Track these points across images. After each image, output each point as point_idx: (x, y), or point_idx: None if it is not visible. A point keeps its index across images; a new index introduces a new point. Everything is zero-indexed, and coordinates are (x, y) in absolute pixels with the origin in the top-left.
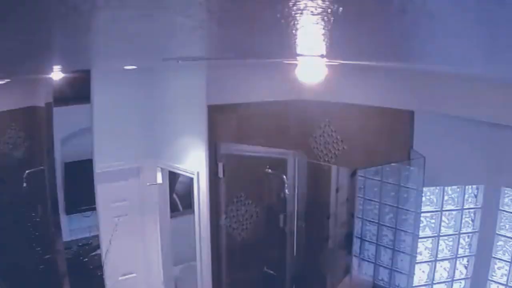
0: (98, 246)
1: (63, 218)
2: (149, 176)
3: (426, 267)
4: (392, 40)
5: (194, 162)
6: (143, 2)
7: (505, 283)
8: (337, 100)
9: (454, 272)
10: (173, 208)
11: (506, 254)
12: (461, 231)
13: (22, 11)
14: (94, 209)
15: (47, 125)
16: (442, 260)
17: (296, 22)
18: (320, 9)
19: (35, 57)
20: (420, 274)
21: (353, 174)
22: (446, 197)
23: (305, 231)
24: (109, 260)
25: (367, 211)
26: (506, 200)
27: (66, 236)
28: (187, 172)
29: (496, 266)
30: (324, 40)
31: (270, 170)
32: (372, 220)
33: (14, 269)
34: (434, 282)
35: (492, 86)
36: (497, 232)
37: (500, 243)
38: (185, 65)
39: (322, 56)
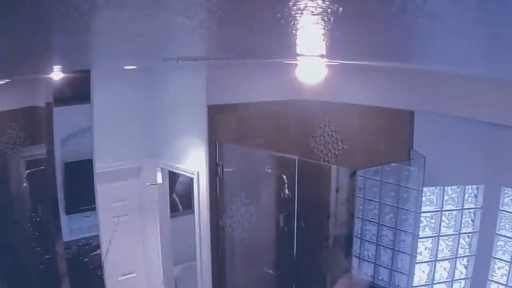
0: (98, 246)
1: (63, 218)
2: (149, 176)
3: (426, 267)
4: (392, 40)
5: (194, 162)
6: (143, 2)
7: (505, 283)
8: (337, 100)
9: (454, 272)
10: (173, 208)
11: (506, 254)
12: (461, 231)
13: (22, 11)
14: (94, 209)
15: (47, 125)
16: (442, 260)
17: (296, 22)
18: (320, 9)
19: (35, 57)
20: (420, 274)
21: (353, 174)
22: (446, 197)
23: (305, 231)
24: (109, 260)
25: (367, 211)
26: (506, 200)
27: (66, 236)
28: (187, 172)
29: (496, 266)
30: (324, 40)
31: (270, 170)
32: (372, 220)
33: (14, 269)
34: (434, 282)
35: (492, 86)
36: (497, 232)
37: (500, 243)
38: (185, 65)
39: (322, 56)
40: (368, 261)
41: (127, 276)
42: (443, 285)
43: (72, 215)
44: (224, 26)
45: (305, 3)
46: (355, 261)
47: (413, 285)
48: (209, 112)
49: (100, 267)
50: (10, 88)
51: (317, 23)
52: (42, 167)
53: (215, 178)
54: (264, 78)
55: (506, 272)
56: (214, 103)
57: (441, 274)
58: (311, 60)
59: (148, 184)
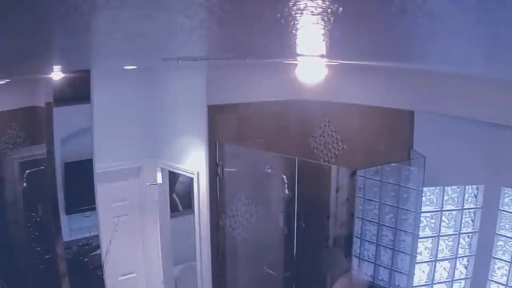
0: (98, 246)
1: (63, 218)
2: (149, 176)
3: (426, 267)
4: (392, 40)
5: (194, 162)
6: (143, 2)
7: (505, 283)
8: (337, 100)
9: (454, 272)
10: (173, 208)
11: (506, 254)
12: (461, 231)
13: (22, 11)
14: (94, 209)
15: (47, 125)
16: (442, 260)
17: (296, 22)
18: (320, 9)
19: (35, 57)
20: (420, 274)
21: (353, 174)
22: (446, 197)
23: (305, 231)
24: (109, 260)
25: (367, 211)
26: (506, 200)
27: (66, 236)
28: (187, 172)
29: (496, 266)
30: (324, 40)
31: (270, 170)
32: (372, 220)
33: (14, 269)
34: (434, 282)
35: (492, 86)
36: (497, 232)
37: (500, 243)
38: (185, 65)
39: (322, 56)
40: (368, 261)
41: (127, 276)
42: (443, 285)
43: (72, 215)
44: (224, 26)
45: (305, 3)
46: (355, 261)
47: (413, 285)
48: (209, 112)
49: (100, 267)
50: (10, 88)
51: (317, 23)
52: (42, 167)
53: (215, 178)
54: (264, 78)
55: (506, 272)
56: (214, 103)
57: (441, 274)
58: (311, 60)
59: (148, 184)
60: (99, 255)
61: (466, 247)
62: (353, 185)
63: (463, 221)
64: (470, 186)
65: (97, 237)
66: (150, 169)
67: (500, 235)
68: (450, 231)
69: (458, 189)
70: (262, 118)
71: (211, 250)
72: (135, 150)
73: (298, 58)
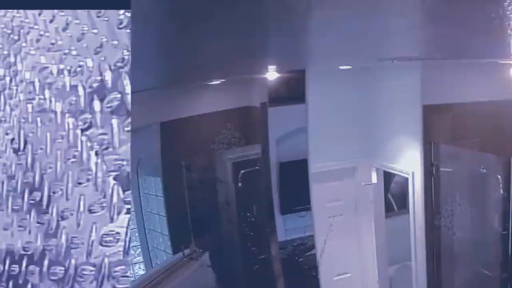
0: (313, 246)
1: (278, 218)
2: (364, 176)
3: None
4: None
5: (409, 162)
6: (359, 2)
7: None
8: None
9: None
10: (388, 208)
11: None
12: None
13: (238, 13)
14: (309, 209)
15: (262, 125)
16: None
17: (511, 22)
18: None
19: (250, 57)
20: None
21: None
22: None
23: None
24: (324, 260)
25: None
26: None
27: (281, 236)
28: (402, 172)
29: None
30: None
31: (485, 171)
32: None
33: (229, 268)
34: None
35: None
36: None
37: None
38: (399, 65)
39: None
40: None
41: (341, 276)
42: None
43: (287, 215)
44: (438, 27)
45: None
46: None
47: None
48: (424, 112)
49: (314, 267)
50: (225, 88)
51: None
52: (257, 167)
53: (430, 178)
54: (478, 78)
55: None
56: (429, 103)
57: None
58: None
59: (363, 184)
60: (314, 255)
61: None
62: None
63: None
64: None
65: (312, 237)
66: (365, 169)
67: None
68: None
69: None
70: (477, 118)
71: (426, 250)
72: (350, 150)
73: None
